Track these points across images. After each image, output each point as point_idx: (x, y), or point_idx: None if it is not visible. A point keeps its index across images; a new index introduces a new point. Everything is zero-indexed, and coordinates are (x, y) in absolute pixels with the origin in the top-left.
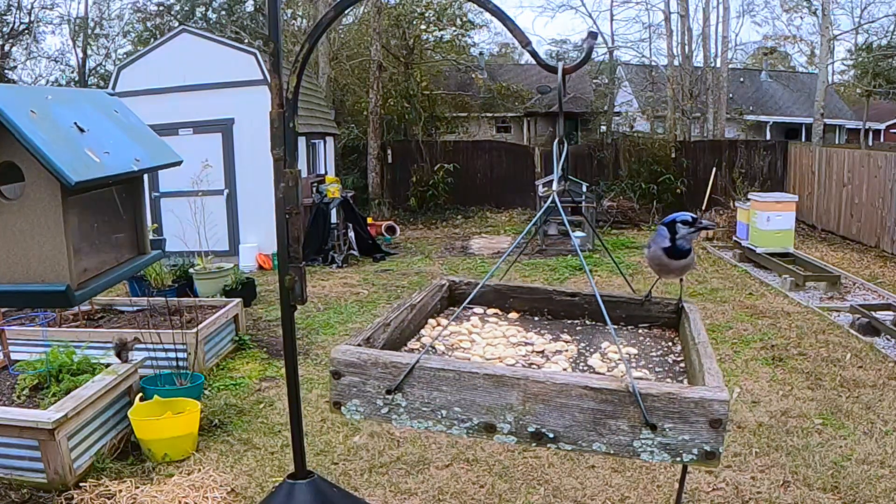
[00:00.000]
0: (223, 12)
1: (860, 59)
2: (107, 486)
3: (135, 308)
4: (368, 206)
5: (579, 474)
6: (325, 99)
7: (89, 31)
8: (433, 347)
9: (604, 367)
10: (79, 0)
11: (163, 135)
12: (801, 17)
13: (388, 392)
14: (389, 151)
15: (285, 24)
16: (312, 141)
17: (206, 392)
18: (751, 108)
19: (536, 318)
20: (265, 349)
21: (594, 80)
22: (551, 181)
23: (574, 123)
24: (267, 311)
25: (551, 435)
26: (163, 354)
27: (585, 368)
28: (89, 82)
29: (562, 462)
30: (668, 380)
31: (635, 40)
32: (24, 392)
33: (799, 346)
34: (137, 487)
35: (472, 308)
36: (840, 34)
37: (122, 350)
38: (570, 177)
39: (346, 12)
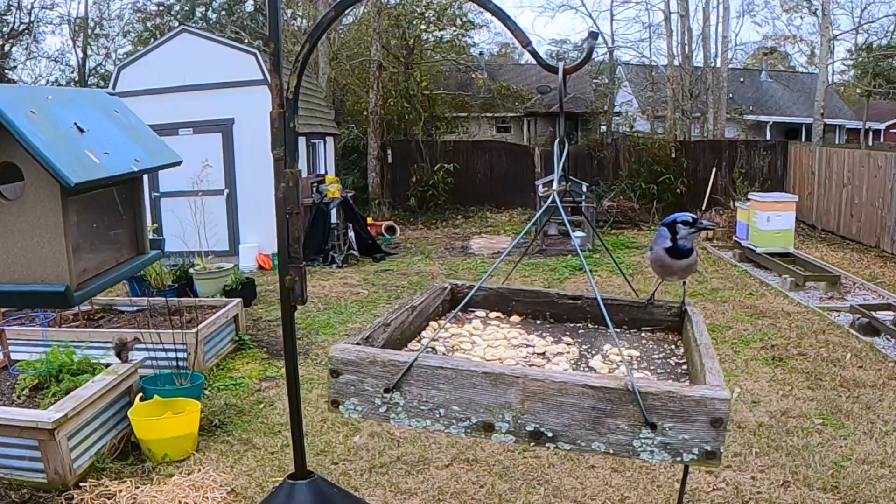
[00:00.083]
0: (223, 12)
1: (860, 59)
2: (107, 486)
3: (135, 308)
4: (368, 206)
5: (579, 474)
6: (325, 99)
7: (89, 31)
8: (433, 349)
9: (605, 369)
10: (79, 0)
11: (163, 135)
12: (801, 17)
13: (386, 390)
14: (389, 151)
15: (285, 24)
16: (312, 141)
17: (206, 392)
18: (751, 108)
19: (539, 322)
20: (265, 349)
21: (594, 80)
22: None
23: (574, 123)
24: (267, 311)
25: (550, 434)
26: (163, 354)
27: (586, 370)
28: (89, 82)
29: (562, 462)
30: (670, 381)
31: (635, 40)
32: (24, 392)
33: (799, 346)
34: (137, 487)
35: (474, 311)
36: (840, 34)
37: (122, 350)
38: (570, 177)
39: (346, 12)
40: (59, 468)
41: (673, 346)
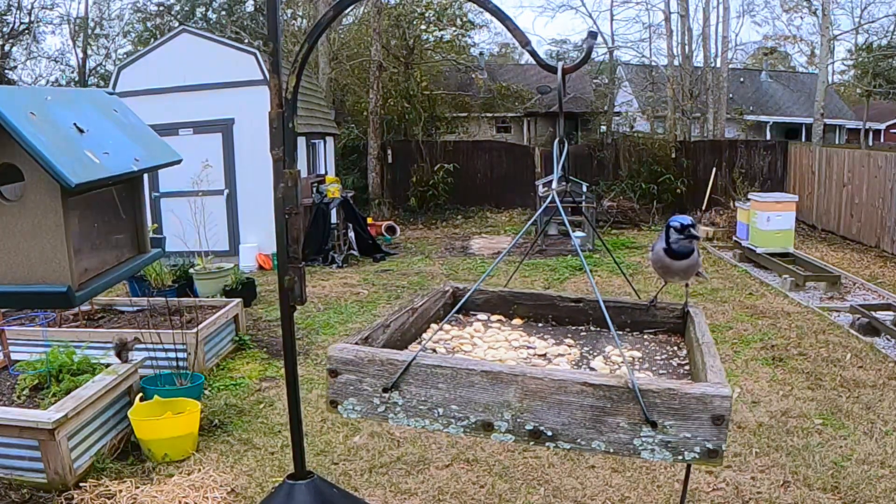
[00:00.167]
0: (223, 12)
1: (860, 59)
2: (107, 486)
3: (135, 308)
4: (368, 206)
5: (579, 474)
6: (325, 99)
7: (89, 31)
8: (433, 350)
9: (606, 370)
10: (79, 0)
11: (163, 135)
12: (801, 17)
13: (385, 390)
14: (389, 151)
15: (285, 24)
16: (312, 141)
17: (206, 392)
18: (751, 108)
19: (540, 324)
20: (265, 349)
21: (594, 80)
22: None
23: (574, 123)
24: (267, 311)
25: (549, 433)
26: (163, 354)
27: (588, 371)
28: (89, 82)
29: (562, 462)
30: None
31: (635, 40)
32: (24, 392)
33: (799, 346)
34: (137, 487)
35: (475, 314)
36: (840, 34)
37: (122, 350)
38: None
39: (346, 12)
40: (59, 468)
41: (675, 348)
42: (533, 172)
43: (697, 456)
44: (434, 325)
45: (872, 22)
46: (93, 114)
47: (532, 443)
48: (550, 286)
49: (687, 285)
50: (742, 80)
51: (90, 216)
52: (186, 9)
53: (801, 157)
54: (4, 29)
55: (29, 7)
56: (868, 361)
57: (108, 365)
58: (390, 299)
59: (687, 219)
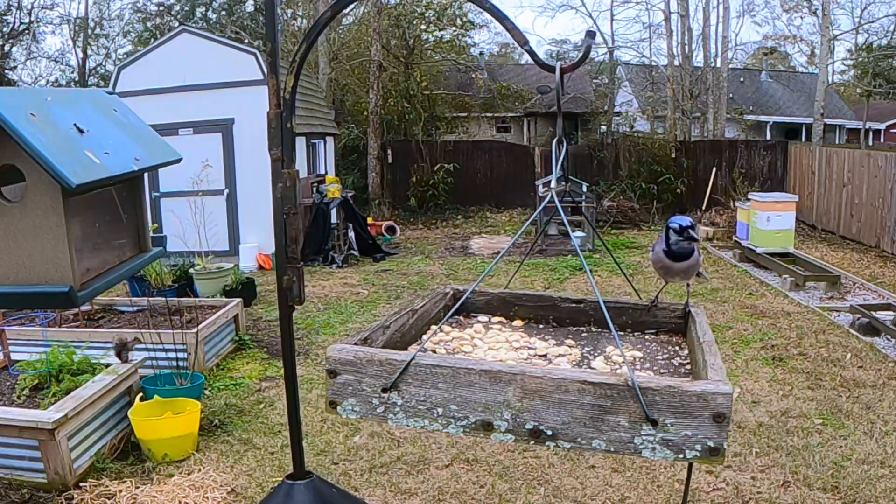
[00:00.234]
0: (223, 12)
1: (860, 59)
2: (107, 486)
3: (135, 308)
4: (368, 206)
5: (579, 474)
6: (325, 99)
7: (89, 31)
8: (433, 351)
9: (607, 370)
10: (79, 0)
11: (163, 135)
12: (801, 17)
13: (384, 390)
14: (389, 151)
15: (285, 24)
16: (312, 141)
17: (206, 392)
18: (751, 108)
19: (541, 326)
20: (265, 349)
21: (594, 80)
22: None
23: (574, 123)
24: (267, 311)
25: (549, 432)
26: (163, 354)
27: (588, 370)
28: (89, 82)
29: (562, 462)
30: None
31: (635, 40)
32: (24, 392)
33: (799, 346)
34: (137, 487)
35: (476, 316)
36: (840, 34)
37: (122, 350)
38: (570, 177)
39: (345, 12)
40: (59, 468)
41: (677, 348)
42: (533, 172)
43: (699, 454)
44: (434, 327)
45: (872, 22)
46: (93, 114)
47: (532, 442)
48: (550, 286)
49: (688, 285)
50: (742, 80)
51: (91, 216)
52: (186, 9)
53: (801, 157)
54: (4, 29)
55: (29, 7)
56: (868, 361)
57: (108, 365)
58: (390, 299)
59: (686, 220)
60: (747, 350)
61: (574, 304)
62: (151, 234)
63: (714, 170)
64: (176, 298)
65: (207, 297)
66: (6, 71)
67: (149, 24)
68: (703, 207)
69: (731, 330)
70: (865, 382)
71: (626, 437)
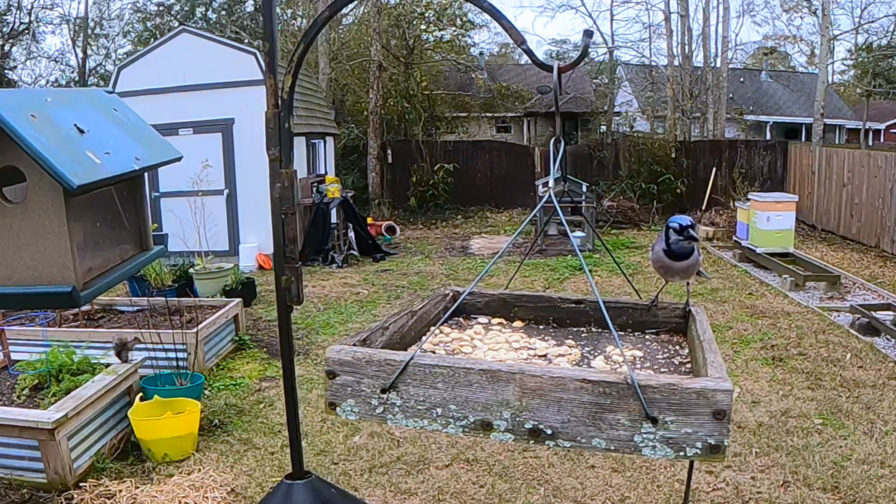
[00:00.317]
0: (223, 12)
1: (860, 59)
2: (107, 486)
3: (135, 308)
4: (368, 206)
5: (579, 474)
6: (325, 99)
7: (89, 31)
8: (433, 352)
9: (607, 369)
10: (79, 0)
11: (163, 135)
12: (801, 17)
13: (383, 391)
14: (389, 151)
15: (285, 23)
16: (312, 141)
17: (206, 392)
18: (751, 108)
19: (541, 326)
20: (265, 349)
21: (594, 80)
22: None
23: (574, 123)
24: (267, 311)
25: (549, 431)
26: (163, 354)
27: (587, 369)
28: (89, 82)
29: (562, 462)
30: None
31: (635, 40)
32: (24, 392)
33: (799, 346)
34: (137, 487)
35: (476, 317)
36: (840, 34)
37: (122, 350)
38: (570, 177)
39: (345, 12)
40: (59, 468)
41: (677, 347)
42: (533, 172)
43: (699, 452)
44: (434, 328)
45: (872, 22)
46: (93, 114)
47: (532, 441)
48: (550, 286)
49: (688, 284)
50: (742, 80)
51: (93, 215)
52: (186, 9)
53: (801, 157)
54: (4, 29)
55: (29, 7)
56: (868, 361)
57: (108, 365)
58: (390, 299)
59: (686, 219)
60: (747, 350)
61: (574, 305)
62: (152, 233)
63: (714, 170)
64: (176, 298)
65: (207, 297)
66: (6, 71)
67: (149, 24)
68: (703, 207)
69: (731, 330)
70: (865, 382)
71: (626, 436)
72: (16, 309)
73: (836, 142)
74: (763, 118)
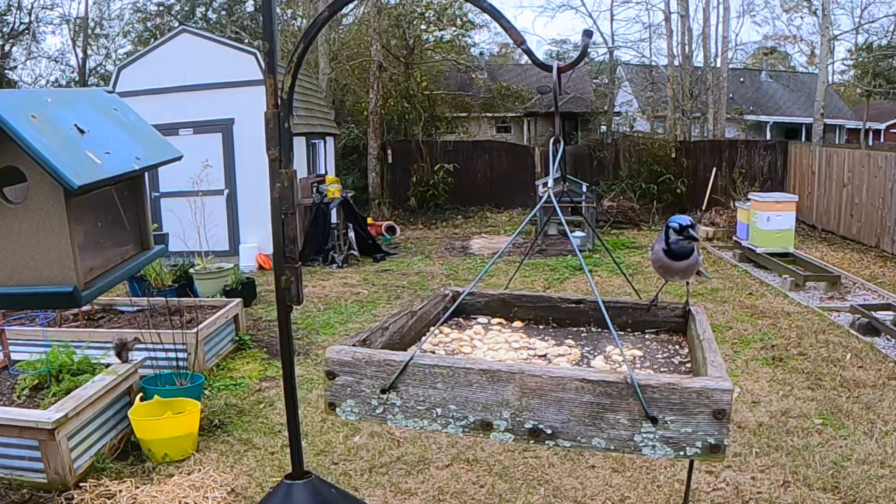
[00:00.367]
0: (223, 12)
1: (860, 59)
2: (107, 486)
3: (135, 308)
4: (368, 206)
5: (579, 474)
6: (325, 99)
7: (89, 31)
8: (432, 352)
9: (606, 368)
10: (79, 0)
11: (163, 135)
12: (801, 17)
13: (383, 391)
14: (389, 151)
15: (285, 23)
16: (312, 141)
17: (206, 392)
18: (751, 108)
19: (541, 326)
20: (265, 349)
21: (594, 80)
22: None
23: (574, 123)
24: (267, 311)
25: (549, 431)
26: (163, 354)
27: (587, 368)
28: (89, 82)
29: (562, 462)
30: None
31: (635, 40)
32: (24, 392)
33: (799, 346)
34: (137, 487)
35: (475, 318)
36: (840, 34)
37: (122, 350)
38: (570, 177)
39: (345, 12)
40: (59, 468)
41: (677, 347)
42: (533, 172)
43: (699, 451)
44: (434, 329)
45: (872, 22)
46: (93, 114)
47: (532, 441)
48: (550, 286)
49: (688, 284)
50: (742, 80)
51: (93, 215)
52: (186, 9)
53: (801, 157)
54: (4, 29)
55: (29, 7)
56: (868, 361)
57: (108, 365)
58: (390, 299)
59: (686, 219)
60: (747, 350)
61: (574, 305)
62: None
63: (714, 170)
64: (176, 298)
65: (207, 297)
66: (6, 71)
67: (149, 24)
68: (703, 207)
69: (731, 330)
70: (865, 382)
71: (626, 435)
72: (17, 309)
73: (836, 142)
74: (763, 118)
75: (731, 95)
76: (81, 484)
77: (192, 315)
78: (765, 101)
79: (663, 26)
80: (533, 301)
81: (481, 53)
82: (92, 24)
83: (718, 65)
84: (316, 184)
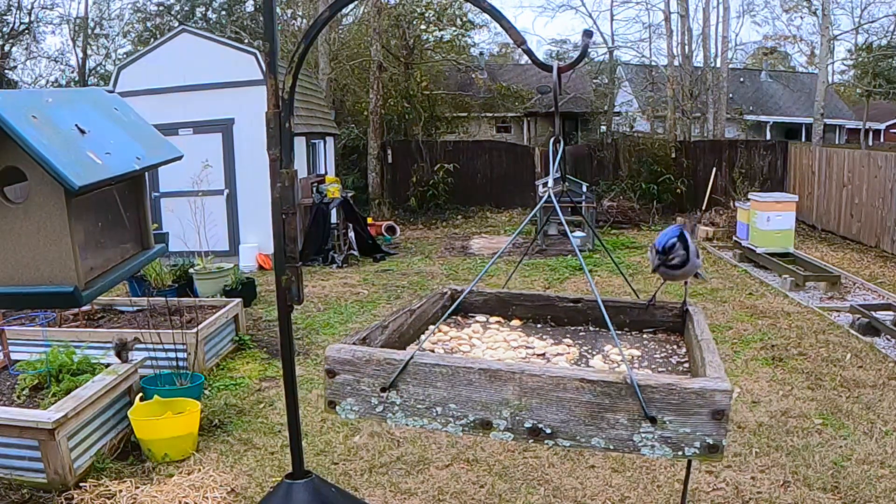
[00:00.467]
0: (223, 12)
1: (860, 59)
2: (107, 486)
3: (135, 308)
4: (368, 206)
5: (579, 474)
6: (325, 99)
7: (89, 31)
8: (431, 350)
9: (605, 368)
10: (79, 0)
11: (162, 135)
12: (801, 17)
13: (383, 389)
14: (389, 151)
15: (285, 24)
16: (312, 141)
17: (206, 392)
18: (751, 108)
19: (539, 325)
20: (265, 349)
21: (594, 80)
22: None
23: (574, 123)
24: (267, 311)
25: (549, 430)
26: (163, 354)
27: (586, 368)
28: (89, 82)
29: (562, 462)
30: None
31: (635, 40)
32: (24, 392)
33: (799, 346)
34: (137, 487)
35: (473, 316)
36: (840, 34)
37: (122, 350)
38: (570, 177)
39: (345, 12)
40: (59, 468)
41: (675, 346)
42: (533, 172)
43: (698, 451)
44: (432, 327)
45: (872, 22)
46: (94, 114)
47: (531, 440)
48: (550, 286)
49: (686, 283)
50: (742, 80)
51: (94, 215)
52: (186, 9)
53: (801, 157)
54: (4, 29)
55: (29, 7)
56: (868, 361)
57: (108, 365)
58: (390, 299)
59: (671, 239)
60: (747, 350)
61: (571, 304)
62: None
63: (714, 170)
64: (176, 298)
65: (207, 297)
66: (6, 71)
67: (149, 24)
68: (703, 207)
69: (731, 330)
70: (865, 382)
71: (625, 435)
72: (17, 309)
73: (836, 142)
74: (763, 118)
75: (731, 95)
76: (81, 484)
77: (192, 315)
78: (765, 101)
79: (663, 26)
80: (531, 300)
81: (481, 53)
82: (92, 24)
83: (718, 65)
84: (316, 184)
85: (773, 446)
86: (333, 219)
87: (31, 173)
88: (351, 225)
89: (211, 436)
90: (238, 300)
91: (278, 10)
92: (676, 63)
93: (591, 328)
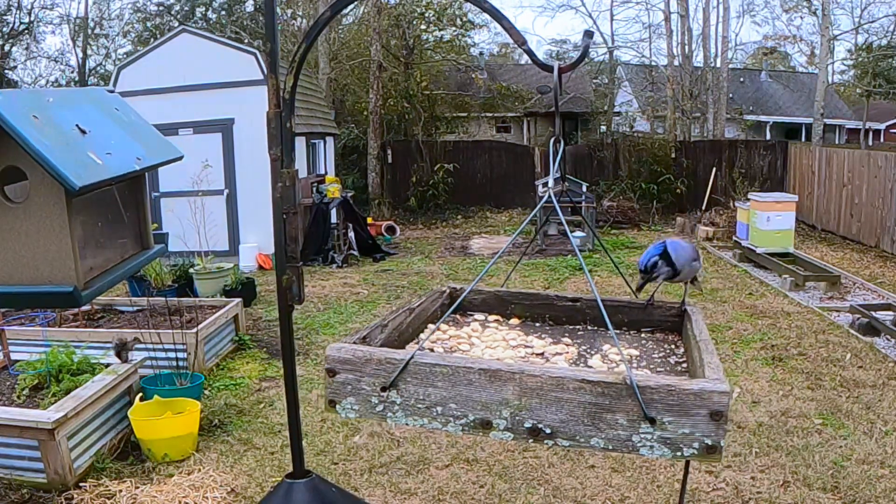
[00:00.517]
0: (223, 12)
1: (860, 59)
2: (107, 486)
3: (135, 308)
4: (368, 206)
5: (579, 474)
6: (325, 99)
7: (89, 31)
8: (431, 349)
9: (604, 368)
10: (79, 0)
11: (163, 135)
12: (801, 17)
13: (383, 389)
14: (389, 151)
15: (285, 24)
16: (312, 141)
17: (206, 392)
18: (751, 108)
19: (538, 324)
20: (265, 349)
21: (594, 80)
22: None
23: (574, 123)
24: (267, 311)
25: (548, 430)
26: (163, 354)
27: (585, 368)
28: (89, 82)
29: (562, 462)
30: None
31: (635, 40)
32: (24, 392)
33: (799, 346)
34: (137, 487)
35: (472, 314)
36: (840, 34)
37: (122, 350)
38: (570, 177)
39: (345, 12)
40: (59, 468)
41: (673, 346)
42: (533, 172)
43: (696, 452)
44: (431, 326)
45: (872, 22)
46: (94, 114)
47: (531, 440)
48: (550, 286)
49: (685, 284)
50: (742, 80)
51: (94, 215)
52: (186, 9)
53: (801, 157)
54: (4, 29)
55: (29, 7)
56: (868, 361)
57: (108, 365)
58: (390, 299)
59: (652, 257)
60: (747, 350)
61: (570, 303)
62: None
63: (714, 170)
64: (176, 298)
65: (207, 297)
66: (6, 71)
67: (149, 24)
68: (703, 207)
69: (731, 330)
70: (865, 382)
71: (625, 436)
72: (17, 308)
73: (836, 142)
74: (763, 118)
75: (731, 95)
76: (81, 484)
77: (192, 315)
78: (765, 101)
79: (663, 26)
80: (530, 299)
81: (481, 53)
82: (92, 24)
83: (718, 65)
84: (316, 184)
85: (773, 446)
86: (333, 219)
87: (31, 173)
88: (351, 225)
89: (211, 436)
90: (238, 300)
91: (278, 10)
92: (676, 63)
93: (589, 327)
